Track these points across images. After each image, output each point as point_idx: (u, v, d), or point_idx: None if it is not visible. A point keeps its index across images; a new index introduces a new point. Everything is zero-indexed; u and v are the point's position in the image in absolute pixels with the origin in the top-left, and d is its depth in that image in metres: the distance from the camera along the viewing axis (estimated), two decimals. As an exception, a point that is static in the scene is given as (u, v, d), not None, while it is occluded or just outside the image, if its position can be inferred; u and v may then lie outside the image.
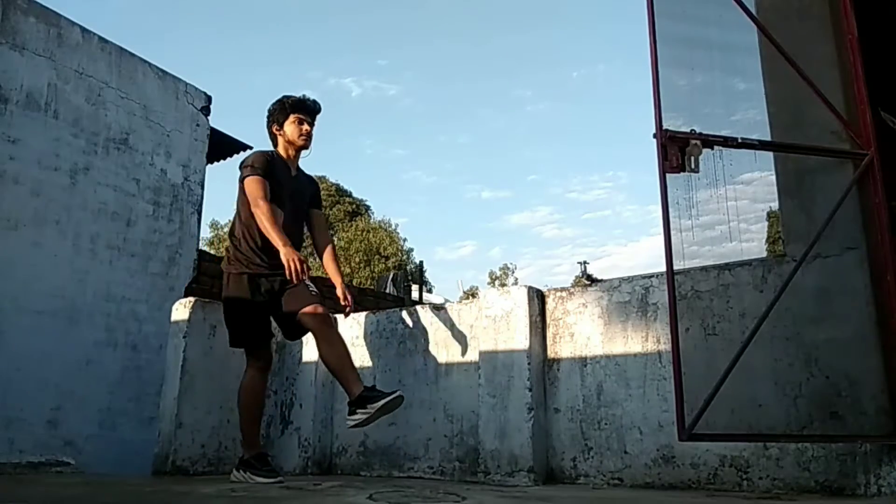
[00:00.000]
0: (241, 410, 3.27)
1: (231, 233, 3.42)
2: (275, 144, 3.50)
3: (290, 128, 3.44)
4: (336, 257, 3.56)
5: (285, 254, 3.04)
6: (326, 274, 3.58)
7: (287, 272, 3.04)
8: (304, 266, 3.07)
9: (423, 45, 49.84)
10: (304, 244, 3.83)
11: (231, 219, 3.55)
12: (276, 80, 47.96)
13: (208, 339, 3.64)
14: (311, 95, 3.53)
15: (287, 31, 47.38)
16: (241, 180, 3.30)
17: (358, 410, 2.91)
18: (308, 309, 3.13)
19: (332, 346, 3.12)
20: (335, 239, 23.71)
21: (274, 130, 3.47)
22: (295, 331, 3.32)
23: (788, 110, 2.86)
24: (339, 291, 3.39)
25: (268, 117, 3.51)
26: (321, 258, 3.54)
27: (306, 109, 3.48)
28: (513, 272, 29.72)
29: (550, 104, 48.52)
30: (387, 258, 23.21)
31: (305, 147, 3.49)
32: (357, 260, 22.64)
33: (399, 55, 49.99)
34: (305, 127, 3.46)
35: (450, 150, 48.38)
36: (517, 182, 50.66)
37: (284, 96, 3.51)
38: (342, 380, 3.08)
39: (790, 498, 2.44)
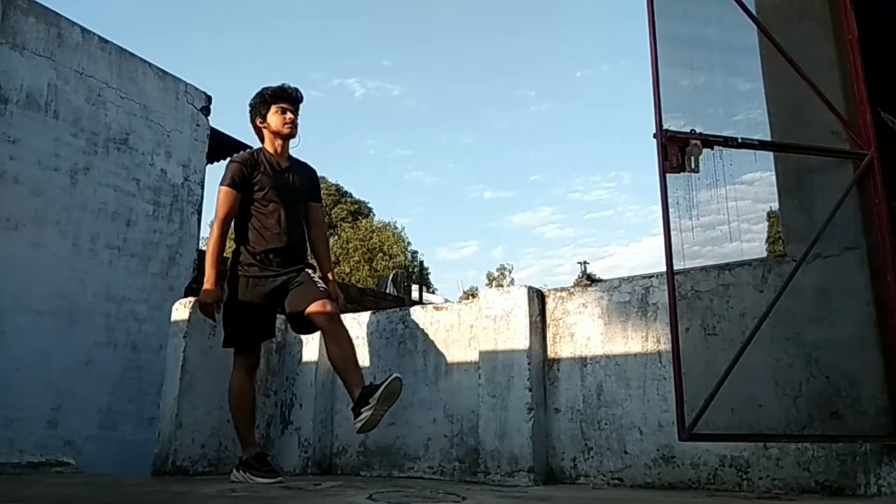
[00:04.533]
0: (234, 412, 3.25)
1: (234, 238, 3.42)
2: (261, 139, 3.44)
3: (273, 118, 3.37)
4: (328, 253, 3.63)
5: (202, 294, 3.22)
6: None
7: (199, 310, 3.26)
8: (212, 310, 3.23)
9: (427, 46, 49.92)
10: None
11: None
12: (279, 80, 47.92)
13: (208, 339, 3.64)
14: (293, 84, 3.46)
15: (290, 32, 47.46)
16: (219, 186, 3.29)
17: (361, 410, 2.84)
18: (315, 307, 3.09)
19: (339, 345, 3.08)
20: (336, 238, 23.81)
21: (258, 124, 3.42)
22: (304, 326, 3.25)
23: (788, 110, 2.86)
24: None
25: (250, 112, 3.46)
26: (315, 253, 3.54)
27: (288, 98, 3.41)
28: (510, 272, 29.76)
29: (554, 104, 48.61)
30: (391, 257, 23.19)
31: (292, 136, 3.41)
32: (356, 259, 22.64)
33: (403, 55, 50.07)
34: (289, 115, 3.38)
35: (453, 151, 48.46)
36: (520, 182, 50.75)
37: (264, 88, 3.44)
38: (345, 380, 3.05)
39: (790, 498, 2.44)
